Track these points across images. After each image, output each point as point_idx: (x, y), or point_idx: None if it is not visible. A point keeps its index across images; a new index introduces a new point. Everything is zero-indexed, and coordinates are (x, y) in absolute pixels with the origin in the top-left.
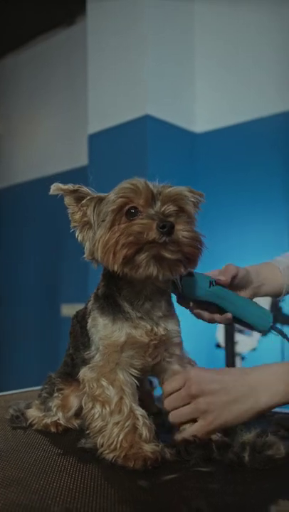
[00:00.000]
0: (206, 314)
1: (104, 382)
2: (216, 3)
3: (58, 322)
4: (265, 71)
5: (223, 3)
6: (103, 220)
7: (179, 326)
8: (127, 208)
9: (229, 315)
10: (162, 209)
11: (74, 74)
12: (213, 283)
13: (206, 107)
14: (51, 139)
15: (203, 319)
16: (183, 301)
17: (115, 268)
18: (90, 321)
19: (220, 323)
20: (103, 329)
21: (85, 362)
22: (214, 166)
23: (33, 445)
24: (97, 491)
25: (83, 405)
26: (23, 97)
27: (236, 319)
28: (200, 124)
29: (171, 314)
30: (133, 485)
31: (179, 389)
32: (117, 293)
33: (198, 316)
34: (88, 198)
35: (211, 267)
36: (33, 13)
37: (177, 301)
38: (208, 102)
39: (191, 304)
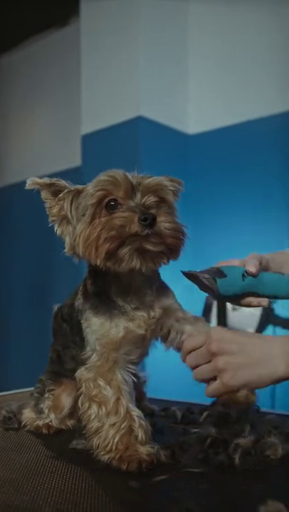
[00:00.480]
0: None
1: (101, 382)
2: (209, 3)
3: (50, 323)
4: (259, 72)
5: (217, 4)
6: (83, 215)
7: (173, 298)
8: (106, 200)
9: (264, 301)
10: (143, 200)
11: (68, 74)
12: (245, 275)
13: (199, 108)
14: (45, 139)
15: (253, 306)
16: (222, 300)
17: (98, 262)
18: (83, 321)
19: (258, 306)
20: (100, 328)
21: (74, 359)
22: (207, 168)
23: (25, 446)
24: (88, 492)
25: (80, 405)
26: (16, 97)
27: (273, 296)
28: (193, 125)
29: (162, 293)
30: (124, 486)
31: (200, 346)
32: (107, 289)
33: (248, 305)
34: (65, 191)
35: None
36: (26, 13)
37: (216, 301)
38: (201, 104)
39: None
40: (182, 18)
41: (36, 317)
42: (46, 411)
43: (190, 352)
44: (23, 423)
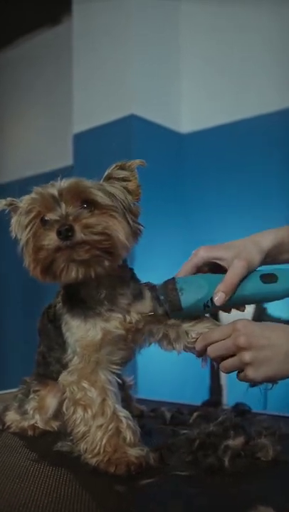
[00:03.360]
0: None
1: (85, 385)
2: (201, 2)
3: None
4: (252, 71)
5: (209, 3)
6: (21, 239)
7: (155, 299)
8: (38, 218)
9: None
10: (66, 210)
11: (60, 73)
12: (209, 305)
13: (192, 107)
14: (37, 138)
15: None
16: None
17: (42, 281)
18: (63, 325)
19: None
20: (77, 331)
21: (59, 361)
22: (201, 166)
23: (9, 448)
24: (72, 496)
25: (65, 411)
26: (8, 95)
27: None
28: (186, 124)
29: (139, 295)
30: (109, 490)
31: (224, 338)
32: (78, 292)
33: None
34: (10, 207)
35: None
36: (19, 11)
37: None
38: (194, 102)
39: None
40: (174, 17)
41: (31, 317)
42: (31, 412)
43: (211, 343)
44: (6, 425)
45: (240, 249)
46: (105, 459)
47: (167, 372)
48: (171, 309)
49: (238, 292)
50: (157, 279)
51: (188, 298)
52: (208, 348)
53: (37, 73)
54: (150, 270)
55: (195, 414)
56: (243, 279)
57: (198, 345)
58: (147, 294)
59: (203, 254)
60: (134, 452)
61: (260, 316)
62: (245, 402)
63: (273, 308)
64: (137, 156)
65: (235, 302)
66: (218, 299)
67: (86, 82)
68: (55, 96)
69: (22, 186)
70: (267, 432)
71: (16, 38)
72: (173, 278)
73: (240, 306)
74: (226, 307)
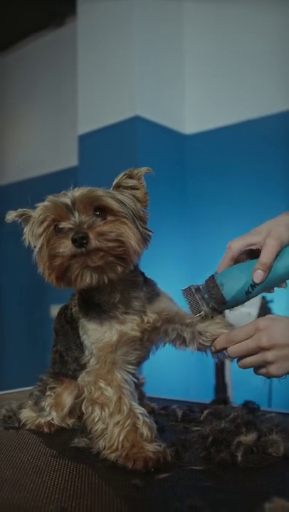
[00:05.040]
0: None
1: (102, 384)
2: (205, 3)
3: (47, 323)
4: (257, 72)
5: (213, 4)
6: (35, 246)
7: (169, 301)
8: (52, 227)
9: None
10: (79, 219)
11: (65, 74)
12: (250, 289)
13: (196, 108)
14: (42, 139)
15: None
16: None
17: (57, 287)
18: (80, 328)
19: None
20: (94, 334)
21: (76, 360)
22: (204, 168)
23: (27, 445)
24: (91, 490)
25: (84, 411)
26: (13, 97)
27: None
28: (190, 125)
29: (154, 297)
30: (127, 484)
31: (246, 338)
32: (93, 296)
33: None
34: (23, 217)
35: (202, 268)
36: (23, 13)
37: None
38: (197, 104)
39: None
40: (178, 18)
41: (33, 317)
42: (48, 409)
43: (234, 343)
44: (22, 422)
45: (270, 230)
46: (123, 454)
47: (172, 371)
48: (217, 304)
49: (275, 269)
50: (159, 278)
51: (230, 290)
52: (230, 348)
53: (42, 75)
54: (151, 270)
55: (205, 411)
56: (277, 255)
57: (219, 345)
58: (163, 294)
59: (237, 245)
60: (151, 448)
61: (265, 315)
62: (253, 400)
63: (278, 308)
64: (141, 156)
65: (274, 279)
66: (258, 276)
67: (91, 83)
68: (59, 97)
69: (27, 187)
70: (277, 429)
71: (21, 40)
72: (212, 275)
73: (279, 282)
74: (267, 287)
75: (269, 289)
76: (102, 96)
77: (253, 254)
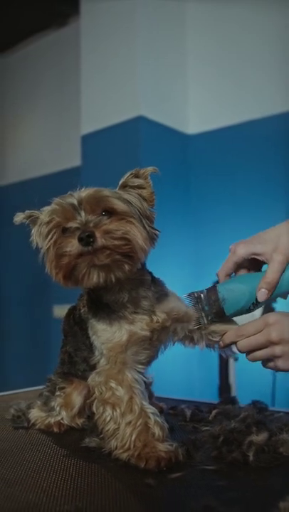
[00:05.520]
0: None
1: (112, 384)
2: (208, 3)
3: (50, 323)
4: (260, 72)
5: (216, 4)
6: (42, 248)
7: (178, 301)
8: (59, 227)
9: None
10: (86, 218)
11: (68, 74)
12: (252, 307)
13: (199, 108)
14: (45, 139)
15: None
16: None
17: (65, 286)
18: (89, 329)
19: None
20: (103, 334)
21: (86, 361)
22: (207, 168)
23: (37, 444)
24: (104, 489)
25: (95, 411)
26: (16, 97)
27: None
28: (193, 125)
29: (163, 296)
30: (140, 483)
31: (256, 333)
32: (101, 296)
33: None
34: (31, 218)
35: (205, 269)
36: (26, 13)
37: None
38: (201, 104)
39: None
40: (181, 18)
41: (36, 317)
42: (58, 408)
43: (242, 336)
44: (32, 422)
45: (277, 242)
46: (136, 454)
47: (175, 370)
48: (217, 318)
49: (280, 285)
50: (162, 278)
51: (231, 306)
52: (240, 343)
53: (44, 75)
54: (154, 270)
55: (214, 411)
56: (283, 271)
57: (228, 340)
58: (171, 294)
59: (241, 251)
60: (163, 447)
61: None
62: (261, 400)
63: (281, 308)
64: (145, 157)
65: (278, 293)
66: (262, 295)
67: (94, 83)
68: (62, 97)
69: (30, 187)
70: (287, 428)
71: (24, 40)
72: (215, 286)
73: (282, 295)
74: (269, 301)
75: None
76: (105, 96)
77: (256, 261)
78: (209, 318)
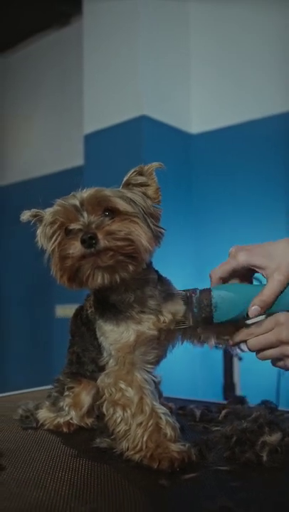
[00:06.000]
0: None
1: (122, 385)
2: (210, 3)
3: (53, 323)
4: (262, 72)
5: (219, 4)
6: (46, 248)
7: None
8: (62, 229)
9: None
10: (88, 219)
11: (70, 73)
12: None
13: (202, 108)
14: (48, 138)
15: None
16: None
17: (70, 288)
18: (97, 330)
19: None
20: (111, 335)
21: (94, 361)
22: (210, 167)
23: (47, 445)
24: (118, 490)
25: (104, 412)
26: (19, 96)
27: None
28: (196, 125)
29: (169, 296)
30: (154, 484)
31: (266, 331)
32: (107, 297)
33: None
34: (35, 219)
35: (206, 269)
36: (28, 12)
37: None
38: (203, 103)
39: None
40: (184, 17)
41: (38, 317)
42: (67, 408)
43: (253, 335)
44: (40, 422)
45: (281, 261)
46: (148, 455)
47: (178, 370)
48: (203, 323)
49: (275, 304)
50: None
51: (221, 316)
52: (250, 341)
53: (46, 74)
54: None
55: (224, 411)
56: (281, 293)
57: (238, 338)
58: (178, 296)
59: (242, 259)
60: (175, 448)
61: None
62: (270, 400)
63: None
64: (147, 156)
65: (269, 313)
66: (253, 312)
67: (96, 82)
68: (63, 97)
69: (32, 186)
70: None
71: (26, 39)
72: (209, 290)
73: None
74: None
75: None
76: (108, 95)
77: (251, 271)
78: (196, 321)
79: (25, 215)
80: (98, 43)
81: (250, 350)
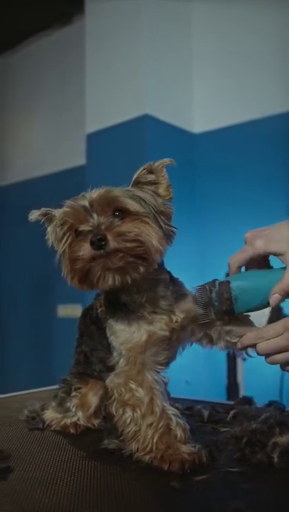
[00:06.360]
0: None
1: (132, 385)
2: (211, 3)
3: (54, 323)
4: (265, 71)
5: (220, 4)
6: (57, 249)
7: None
8: (72, 230)
9: None
10: (98, 220)
11: (72, 73)
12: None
13: (205, 107)
14: (50, 138)
15: None
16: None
17: (81, 289)
18: (107, 329)
19: None
20: (122, 334)
21: (102, 361)
22: (213, 167)
23: (54, 446)
24: (128, 492)
25: (114, 413)
26: (21, 96)
27: None
28: (198, 124)
29: (181, 296)
30: (164, 486)
31: (276, 336)
32: (119, 296)
33: None
34: (45, 218)
35: (209, 269)
36: (30, 12)
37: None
38: (206, 103)
39: None
40: (186, 18)
41: (40, 317)
42: (74, 409)
43: (262, 339)
44: (47, 423)
45: None
46: (158, 456)
47: (181, 370)
48: (225, 314)
49: None
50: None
51: (242, 306)
52: (260, 345)
53: (47, 74)
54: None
55: (232, 412)
56: None
57: (247, 341)
58: (190, 296)
59: (260, 247)
60: (186, 449)
61: (278, 315)
62: (279, 400)
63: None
64: (150, 155)
65: None
66: (274, 301)
67: (98, 82)
68: (65, 96)
69: (33, 186)
70: None
71: (28, 38)
72: (228, 283)
73: None
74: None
75: None
76: (110, 94)
77: (266, 258)
78: (218, 314)
79: (34, 215)
80: (100, 43)
81: (259, 354)
